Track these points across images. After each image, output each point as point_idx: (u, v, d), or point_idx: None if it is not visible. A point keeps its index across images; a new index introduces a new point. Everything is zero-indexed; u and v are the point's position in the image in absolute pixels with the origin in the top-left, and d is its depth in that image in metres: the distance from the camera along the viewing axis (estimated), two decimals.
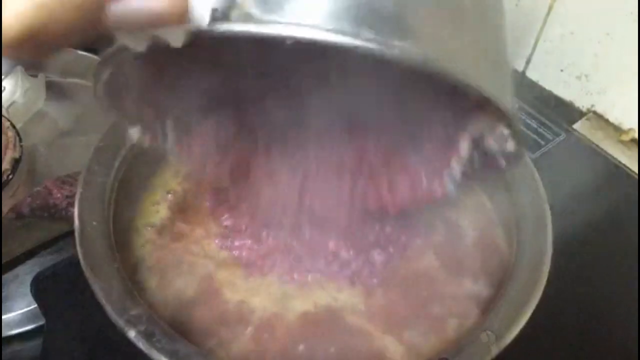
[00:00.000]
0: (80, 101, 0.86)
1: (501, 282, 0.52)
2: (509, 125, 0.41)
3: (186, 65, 0.42)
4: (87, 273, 0.44)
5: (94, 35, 0.28)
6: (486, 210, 0.61)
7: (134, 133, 0.47)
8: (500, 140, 0.44)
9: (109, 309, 0.43)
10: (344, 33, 0.28)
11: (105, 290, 0.43)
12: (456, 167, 0.49)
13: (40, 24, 0.26)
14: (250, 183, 0.55)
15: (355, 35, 0.28)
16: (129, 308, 0.43)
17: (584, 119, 0.85)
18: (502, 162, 0.46)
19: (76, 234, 0.48)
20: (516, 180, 0.57)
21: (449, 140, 0.48)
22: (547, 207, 0.54)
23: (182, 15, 0.28)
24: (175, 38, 0.29)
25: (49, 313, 0.57)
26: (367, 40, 0.28)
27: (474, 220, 0.60)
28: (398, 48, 0.29)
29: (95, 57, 0.82)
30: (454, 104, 0.44)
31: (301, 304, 0.52)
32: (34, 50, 0.27)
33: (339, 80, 0.45)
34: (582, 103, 0.86)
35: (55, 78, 0.87)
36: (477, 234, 0.59)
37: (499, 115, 0.40)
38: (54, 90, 0.86)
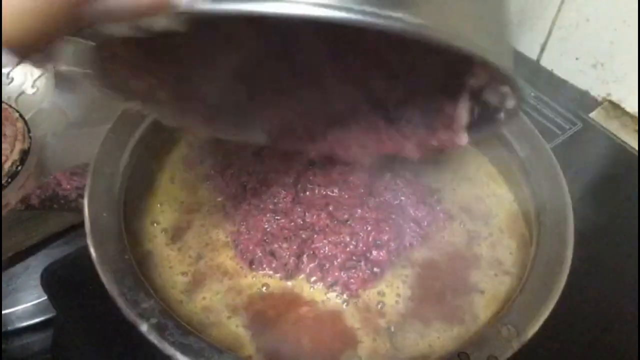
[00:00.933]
0: (89, 92, 0.85)
1: (523, 273, 0.51)
2: (510, 85, 0.41)
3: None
4: (98, 265, 0.44)
5: (76, 29, 0.29)
6: (508, 201, 0.60)
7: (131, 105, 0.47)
8: (501, 96, 0.45)
9: (120, 302, 0.42)
10: (347, 10, 0.28)
11: (116, 282, 0.43)
12: (461, 116, 0.50)
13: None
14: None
15: (358, 11, 0.28)
16: (140, 301, 0.42)
17: (599, 108, 0.83)
18: (501, 116, 0.47)
19: (86, 227, 0.47)
20: (536, 170, 0.57)
21: (452, 92, 0.50)
22: (568, 198, 0.53)
23: (165, 5, 0.28)
24: (162, 24, 0.29)
25: (60, 305, 0.57)
26: (369, 14, 0.28)
27: (496, 210, 0.60)
28: (399, 20, 0.29)
29: None
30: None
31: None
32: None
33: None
34: (597, 92, 0.85)
35: (64, 68, 0.86)
36: (500, 224, 0.58)
37: (500, 75, 0.40)
38: (64, 80, 0.85)
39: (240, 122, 0.54)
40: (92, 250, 0.45)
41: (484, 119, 0.49)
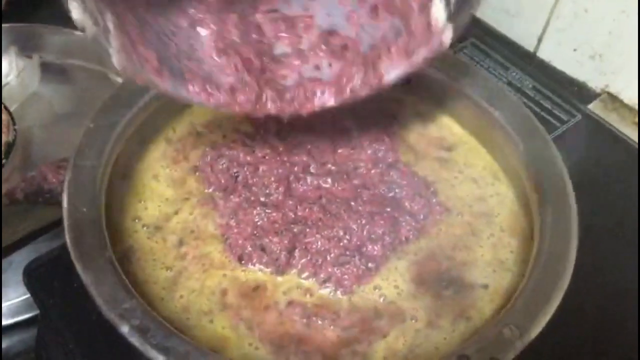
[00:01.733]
0: (77, 83, 0.85)
1: (524, 271, 0.50)
2: None
3: None
4: (77, 264, 0.42)
5: None
6: (510, 199, 0.59)
7: (74, 9, 0.43)
8: None
9: (100, 302, 0.41)
10: None
11: (95, 281, 0.41)
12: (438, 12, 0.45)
13: None
14: None
15: None
16: (121, 301, 0.41)
17: (598, 99, 0.82)
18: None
19: (65, 222, 0.45)
20: (539, 164, 0.55)
21: None
22: (571, 193, 0.52)
23: None
24: None
25: (44, 302, 0.55)
26: None
27: (496, 206, 0.58)
28: None
29: None
30: None
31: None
32: None
33: None
34: (595, 83, 0.84)
35: (51, 59, 0.86)
36: (500, 220, 0.57)
37: None
38: (49, 71, 0.84)
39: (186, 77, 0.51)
40: (70, 248, 0.44)
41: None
